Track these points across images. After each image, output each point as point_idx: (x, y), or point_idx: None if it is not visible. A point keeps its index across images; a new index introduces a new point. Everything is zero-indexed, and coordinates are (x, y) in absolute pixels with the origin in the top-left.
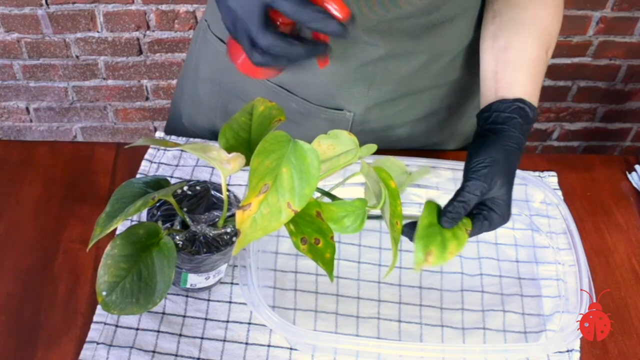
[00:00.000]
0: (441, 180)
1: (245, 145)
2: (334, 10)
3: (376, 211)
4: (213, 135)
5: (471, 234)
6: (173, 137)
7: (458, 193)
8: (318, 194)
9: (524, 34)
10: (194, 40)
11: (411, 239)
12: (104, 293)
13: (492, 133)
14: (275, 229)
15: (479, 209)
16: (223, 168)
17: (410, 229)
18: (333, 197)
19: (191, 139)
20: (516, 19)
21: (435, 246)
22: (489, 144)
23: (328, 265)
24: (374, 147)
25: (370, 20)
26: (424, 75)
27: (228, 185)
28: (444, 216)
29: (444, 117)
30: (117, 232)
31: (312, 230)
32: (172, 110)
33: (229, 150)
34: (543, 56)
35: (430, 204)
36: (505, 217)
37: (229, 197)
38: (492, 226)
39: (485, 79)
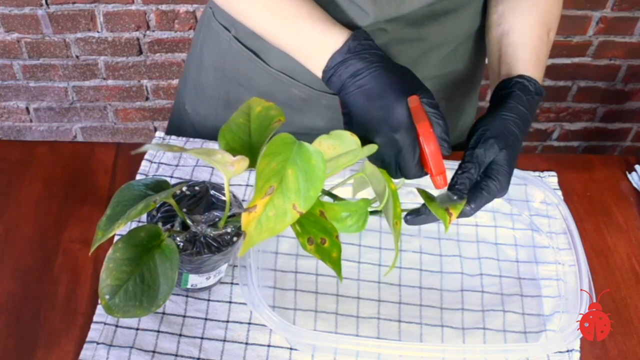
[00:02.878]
0: None
1: (246, 147)
2: (439, 181)
3: (375, 204)
4: (215, 125)
5: (472, 208)
6: (173, 137)
7: (460, 165)
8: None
9: (524, 17)
10: (198, 27)
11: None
12: (107, 296)
13: (491, 110)
14: (281, 231)
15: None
16: (226, 170)
17: (411, 215)
18: (335, 197)
19: (191, 140)
20: (517, 4)
21: (448, 205)
22: (485, 116)
23: (335, 264)
24: (374, 147)
25: (377, 16)
26: (425, 64)
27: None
28: (450, 189)
29: (443, 108)
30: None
31: (317, 230)
32: (177, 98)
33: (230, 152)
34: (544, 37)
35: (421, 191)
36: (503, 185)
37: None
38: (490, 195)
39: (492, 67)
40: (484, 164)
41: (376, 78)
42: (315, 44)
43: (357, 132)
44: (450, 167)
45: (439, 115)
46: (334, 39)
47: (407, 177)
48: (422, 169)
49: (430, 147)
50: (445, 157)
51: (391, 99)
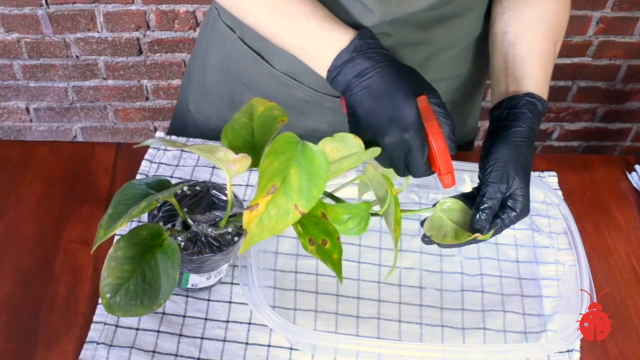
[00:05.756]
0: None
1: (248, 147)
2: (447, 180)
3: (376, 206)
4: (218, 124)
5: (495, 234)
6: (174, 137)
7: (480, 201)
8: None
9: (532, 29)
10: (202, 26)
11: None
12: (108, 295)
13: (501, 129)
14: (282, 230)
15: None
16: (229, 169)
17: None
18: (336, 199)
19: (191, 140)
20: (525, 14)
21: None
22: (498, 142)
23: (336, 265)
24: (377, 150)
25: (383, 16)
26: (430, 67)
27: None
28: (473, 226)
29: (448, 110)
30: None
31: (318, 232)
32: (180, 97)
33: (232, 150)
34: (552, 50)
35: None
36: (525, 211)
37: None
38: (511, 224)
39: (496, 76)
40: (505, 196)
41: (383, 78)
42: (320, 43)
43: (365, 132)
44: (458, 168)
45: (447, 115)
46: (340, 37)
47: (415, 176)
48: (430, 168)
49: (439, 146)
50: (452, 157)
51: (400, 99)
